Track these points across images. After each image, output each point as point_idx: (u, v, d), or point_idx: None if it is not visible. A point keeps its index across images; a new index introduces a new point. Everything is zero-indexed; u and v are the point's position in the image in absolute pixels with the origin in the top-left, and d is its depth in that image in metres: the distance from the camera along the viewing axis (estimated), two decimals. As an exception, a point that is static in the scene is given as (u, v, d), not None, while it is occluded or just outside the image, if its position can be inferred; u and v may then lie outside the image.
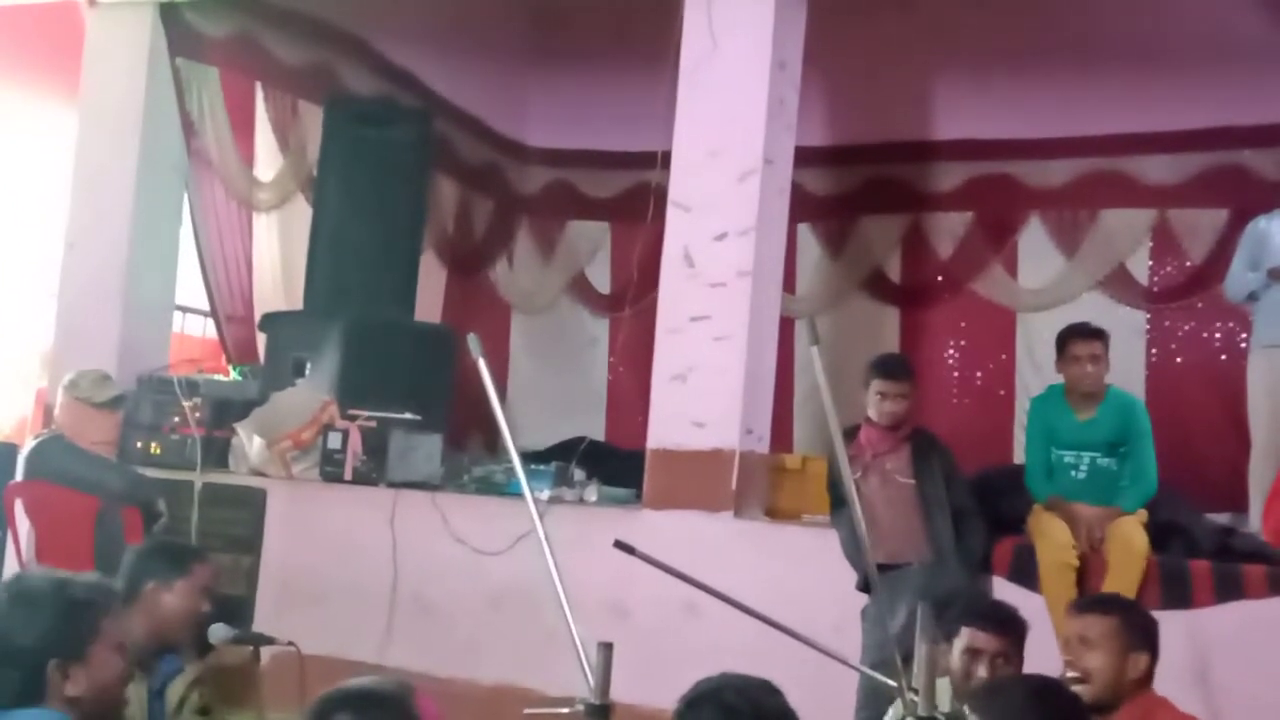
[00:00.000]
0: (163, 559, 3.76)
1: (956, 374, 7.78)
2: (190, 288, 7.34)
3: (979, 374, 7.78)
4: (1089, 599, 3.75)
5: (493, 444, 7.60)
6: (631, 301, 6.65)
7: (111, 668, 2.69)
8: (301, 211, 7.35)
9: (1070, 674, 3.33)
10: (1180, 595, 4.63)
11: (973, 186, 7.75)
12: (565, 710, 2.50)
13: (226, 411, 6.43)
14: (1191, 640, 4.48)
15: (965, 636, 3.65)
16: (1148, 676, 3.34)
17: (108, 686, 2.68)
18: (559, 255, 8.88)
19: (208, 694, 3.82)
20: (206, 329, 7.77)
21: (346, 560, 5.93)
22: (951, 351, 7.85)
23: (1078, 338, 5.08)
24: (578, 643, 2.56)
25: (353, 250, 6.76)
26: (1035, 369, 7.21)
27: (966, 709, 3.26)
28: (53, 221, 7.03)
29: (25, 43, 7.25)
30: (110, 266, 6.67)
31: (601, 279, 8.74)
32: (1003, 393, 7.59)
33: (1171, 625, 3.42)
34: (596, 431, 7.92)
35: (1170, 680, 3.41)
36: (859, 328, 7.75)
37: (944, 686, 3.24)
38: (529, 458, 6.11)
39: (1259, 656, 4.53)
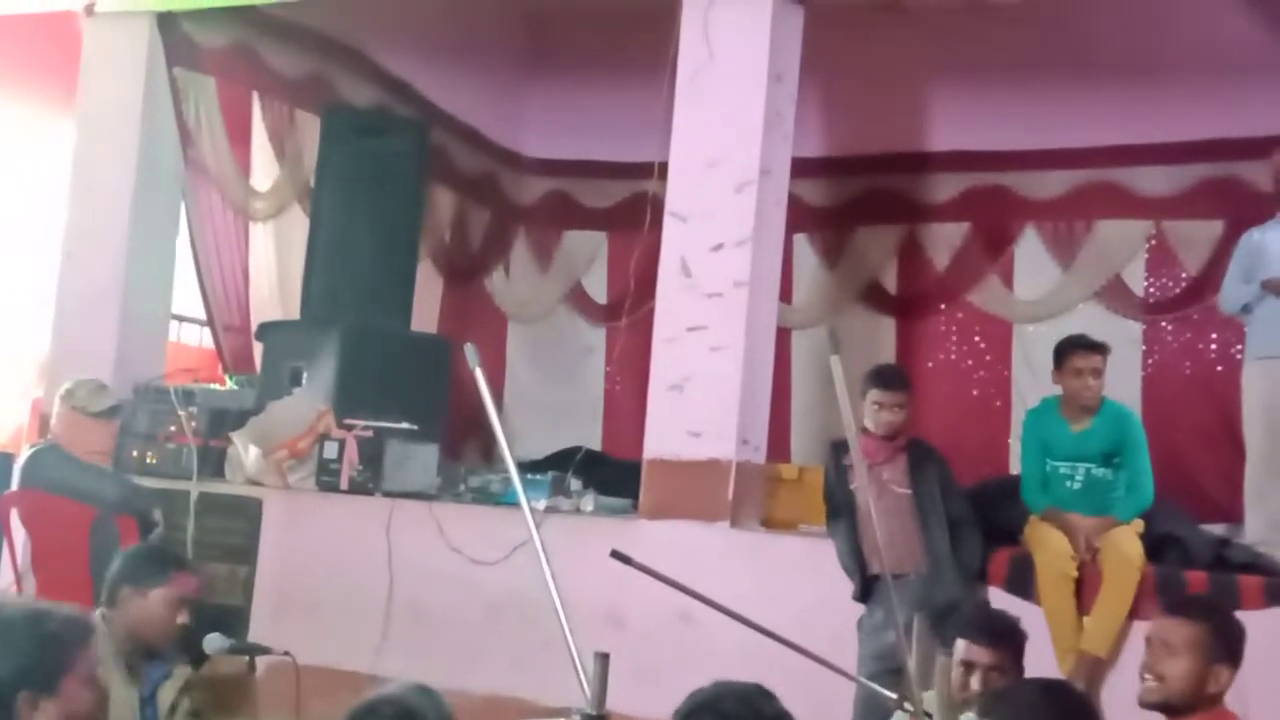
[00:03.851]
0: (143, 565, 3.76)
1: (953, 385, 7.77)
2: (187, 297, 7.33)
3: (975, 385, 7.77)
4: (1179, 601, 3.67)
5: (489, 453, 7.60)
6: (628, 311, 6.65)
7: (82, 701, 2.67)
8: (298, 221, 7.35)
9: (1145, 675, 3.27)
10: (1176, 606, 4.62)
11: (969, 197, 7.75)
12: (562, 720, 2.50)
13: (222, 421, 6.42)
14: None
15: (960, 649, 3.65)
16: (1226, 688, 3.28)
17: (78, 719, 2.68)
18: (556, 265, 8.88)
19: (199, 699, 3.82)
20: (203, 338, 7.76)
21: (342, 570, 5.93)
22: (948, 362, 7.85)
23: (1080, 350, 5.08)
24: (574, 653, 2.56)
25: (349, 260, 6.76)
26: (1032, 380, 7.21)
27: (977, 714, 3.26)
28: (50, 230, 7.02)
29: (23, 52, 7.25)
30: (107, 275, 6.67)
31: (598, 289, 8.74)
32: (999, 404, 7.59)
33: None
34: (593, 441, 7.90)
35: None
36: (856, 338, 7.74)
37: (930, 697, 3.24)
38: (525, 467, 6.10)
39: (1255, 668, 4.52)
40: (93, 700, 2.74)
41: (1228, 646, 3.29)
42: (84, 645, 2.72)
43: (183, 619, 3.72)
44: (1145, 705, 3.32)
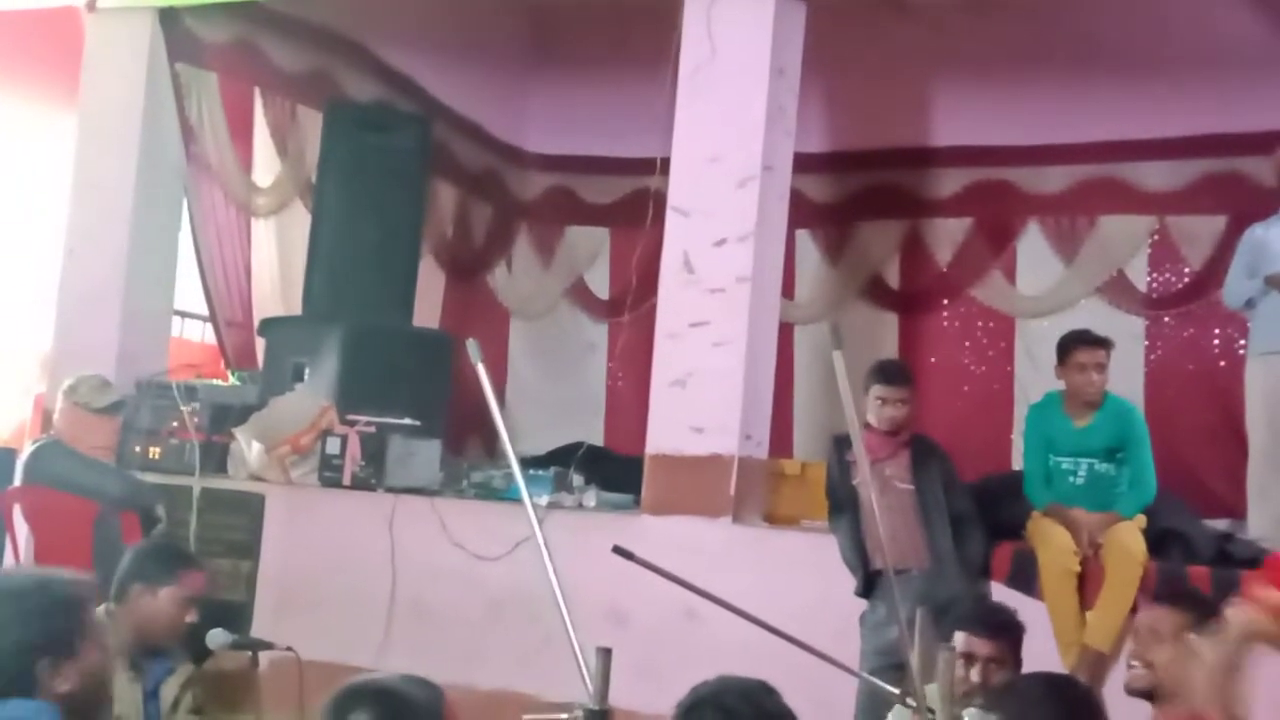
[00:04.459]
0: (153, 563, 3.77)
1: (955, 380, 7.77)
2: (189, 292, 7.34)
3: (978, 380, 7.77)
4: (1167, 591, 3.72)
5: (491, 449, 7.60)
6: (630, 307, 6.65)
7: (97, 661, 2.71)
8: (300, 217, 7.35)
9: (1132, 662, 3.31)
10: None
11: (972, 193, 7.75)
12: (564, 716, 2.50)
13: (225, 416, 6.42)
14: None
15: (959, 641, 3.65)
16: None
17: (95, 679, 2.70)
18: (558, 260, 8.88)
19: (201, 695, 3.83)
20: (205, 334, 7.76)
21: (345, 565, 5.93)
22: (950, 358, 7.84)
23: (1083, 346, 5.08)
24: (576, 648, 2.56)
25: (351, 255, 6.76)
26: (1035, 375, 7.20)
27: (981, 708, 3.27)
28: (52, 227, 7.02)
29: (25, 48, 7.25)
30: (109, 271, 6.67)
31: (600, 284, 8.73)
32: (1002, 399, 7.58)
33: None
34: (595, 437, 7.92)
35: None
36: (858, 334, 7.74)
37: (932, 691, 3.23)
38: (527, 463, 6.11)
39: (1256, 662, 4.52)
40: (104, 660, 2.78)
41: None
42: (92, 604, 2.75)
43: (191, 617, 3.73)
44: (1131, 692, 3.35)
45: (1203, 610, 3.39)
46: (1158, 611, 3.38)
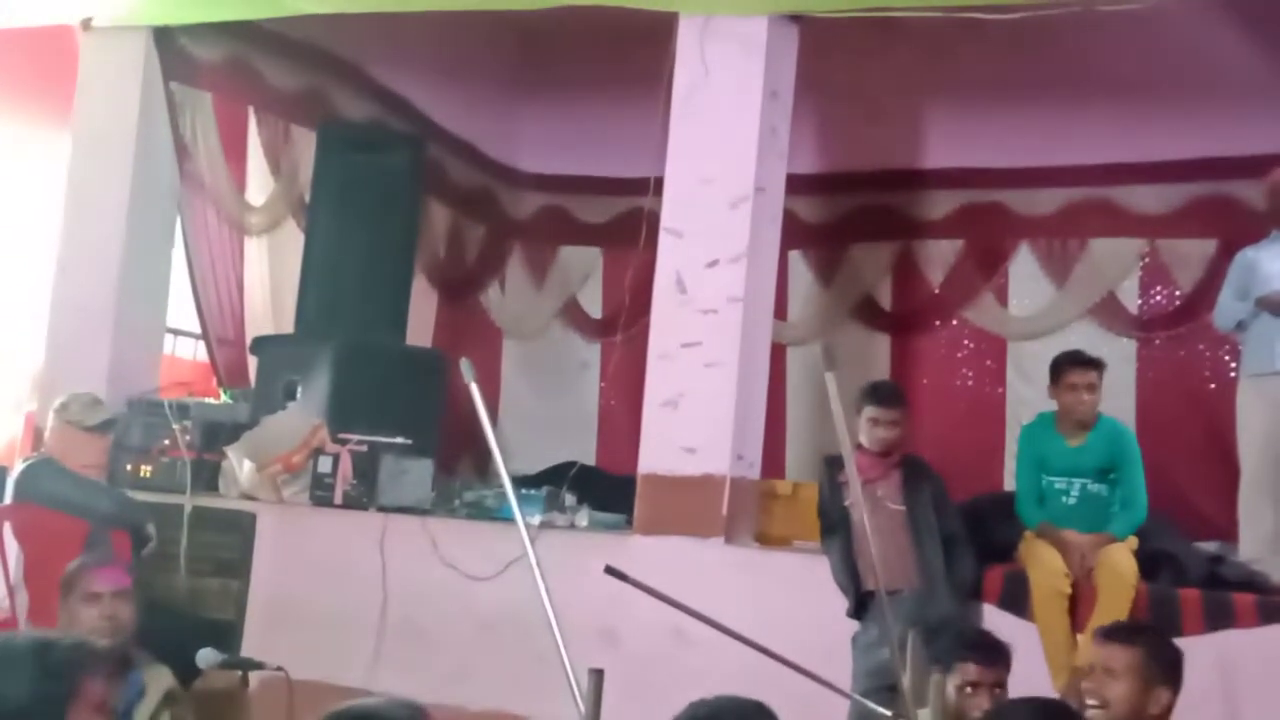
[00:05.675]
0: (62, 581, 3.80)
1: (947, 401, 7.78)
2: (181, 311, 7.33)
3: (970, 401, 7.78)
4: (1114, 627, 3.72)
5: (483, 468, 7.60)
6: (623, 327, 6.66)
7: None
8: (293, 235, 7.35)
9: (1090, 701, 3.30)
10: (1169, 623, 4.63)
11: (963, 215, 7.78)
12: (556, 737, 2.50)
13: (217, 435, 6.41)
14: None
15: (961, 671, 3.64)
16: (1168, 710, 3.31)
17: None
18: (551, 280, 8.89)
19: (183, 713, 3.80)
20: (197, 352, 7.74)
21: (336, 585, 5.91)
22: (942, 379, 7.85)
23: (1075, 366, 5.11)
24: (568, 669, 2.56)
25: (344, 274, 6.76)
26: (1026, 397, 7.22)
27: None
28: (45, 244, 7.02)
29: (19, 66, 7.25)
30: (102, 289, 6.66)
31: (593, 304, 8.75)
32: (993, 420, 7.59)
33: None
34: (587, 456, 7.90)
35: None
36: (850, 355, 7.76)
37: (925, 717, 3.22)
38: (519, 482, 6.09)
39: (1249, 685, 4.53)
40: None
41: (1165, 669, 3.33)
42: (90, 673, 2.72)
43: (108, 609, 3.72)
44: None
45: (1150, 642, 3.41)
46: (1106, 648, 3.36)
